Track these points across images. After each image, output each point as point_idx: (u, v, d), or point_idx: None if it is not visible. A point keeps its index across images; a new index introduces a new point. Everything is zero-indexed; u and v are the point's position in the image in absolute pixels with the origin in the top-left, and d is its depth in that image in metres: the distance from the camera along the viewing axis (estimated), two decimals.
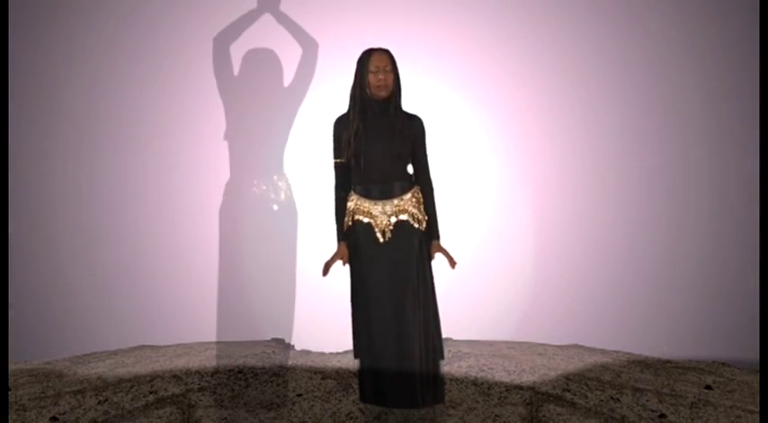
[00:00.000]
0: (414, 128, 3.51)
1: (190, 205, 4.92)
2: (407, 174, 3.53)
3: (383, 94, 3.45)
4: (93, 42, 4.99)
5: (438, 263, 3.54)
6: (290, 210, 4.42)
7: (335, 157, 3.54)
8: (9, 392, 3.86)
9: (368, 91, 3.46)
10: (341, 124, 3.53)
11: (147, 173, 5.00)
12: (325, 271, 3.51)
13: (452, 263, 3.51)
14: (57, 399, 3.78)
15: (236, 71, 3.82)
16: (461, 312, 4.56)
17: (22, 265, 4.99)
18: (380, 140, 3.46)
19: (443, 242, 3.54)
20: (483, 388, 3.78)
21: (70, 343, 4.93)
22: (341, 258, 3.51)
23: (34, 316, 5.00)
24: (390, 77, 3.45)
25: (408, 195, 3.50)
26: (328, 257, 3.52)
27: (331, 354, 4.47)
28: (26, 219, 5.03)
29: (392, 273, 3.42)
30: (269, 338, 4.63)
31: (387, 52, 3.48)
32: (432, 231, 3.52)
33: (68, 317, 4.99)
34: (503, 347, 4.49)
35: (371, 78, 3.44)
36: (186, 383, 3.88)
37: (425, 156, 3.55)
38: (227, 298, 4.41)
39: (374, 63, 3.44)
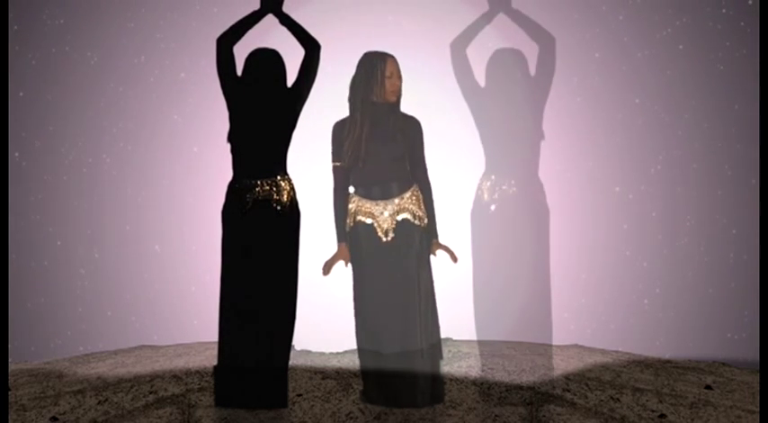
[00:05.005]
0: (411, 129, 3.54)
1: (190, 205, 4.92)
2: (406, 173, 3.55)
3: (394, 98, 3.49)
4: (96, 41, 4.99)
5: (440, 261, 3.56)
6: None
7: (335, 160, 3.56)
8: (9, 392, 3.86)
9: (379, 95, 3.46)
10: (342, 128, 3.54)
11: (149, 173, 5.00)
12: (327, 270, 3.52)
13: (454, 258, 3.56)
14: (57, 399, 3.78)
15: (239, 71, 3.80)
16: (461, 312, 4.56)
17: (22, 265, 4.99)
18: (383, 143, 3.48)
19: (444, 240, 3.58)
20: (483, 388, 3.78)
21: (70, 343, 4.93)
22: (342, 259, 3.53)
23: (34, 316, 5.00)
24: (401, 83, 3.51)
25: (408, 194, 3.52)
26: (328, 258, 3.53)
27: (331, 354, 4.46)
28: (26, 218, 5.03)
29: (395, 272, 3.45)
30: None
31: (395, 57, 3.52)
32: (431, 231, 3.56)
33: (68, 317, 4.99)
34: (503, 347, 4.48)
35: (388, 84, 3.46)
36: (186, 383, 3.87)
37: (423, 156, 3.59)
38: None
39: (389, 68, 3.47)
